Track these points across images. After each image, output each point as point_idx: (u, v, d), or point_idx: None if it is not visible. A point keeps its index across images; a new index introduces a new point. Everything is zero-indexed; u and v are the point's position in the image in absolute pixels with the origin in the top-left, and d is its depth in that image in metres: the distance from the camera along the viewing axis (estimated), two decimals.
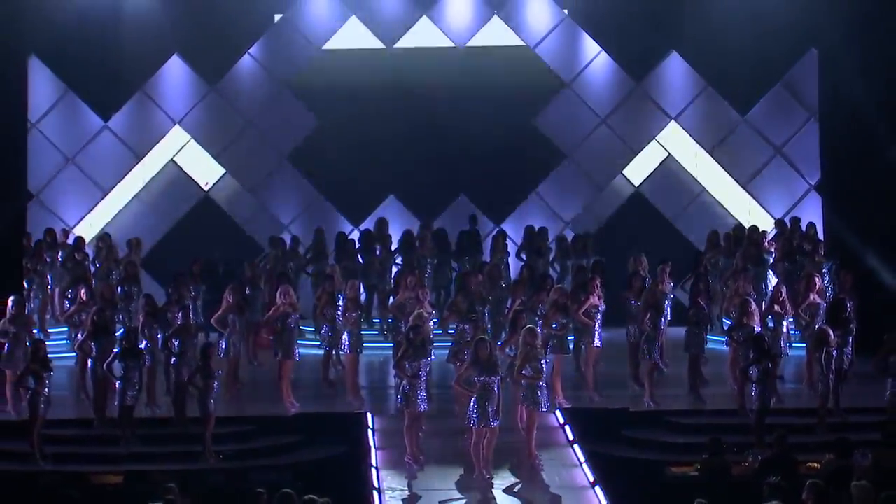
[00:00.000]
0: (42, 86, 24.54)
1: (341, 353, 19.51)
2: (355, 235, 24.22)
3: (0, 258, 20.48)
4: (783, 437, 15.58)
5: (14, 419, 18.02)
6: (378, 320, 22.95)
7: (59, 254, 23.13)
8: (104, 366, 17.84)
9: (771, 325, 19.34)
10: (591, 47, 25.49)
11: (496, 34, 25.42)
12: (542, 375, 16.72)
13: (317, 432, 17.97)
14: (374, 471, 16.64)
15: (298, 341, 19.22)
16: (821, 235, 23.39)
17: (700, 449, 16.30)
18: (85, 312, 19.36)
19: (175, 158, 25.31)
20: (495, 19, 25.37)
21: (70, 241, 23.79)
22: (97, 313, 18.50)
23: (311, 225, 24.43)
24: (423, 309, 18.50)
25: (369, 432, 17.74)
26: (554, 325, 18.58)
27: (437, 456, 17.17)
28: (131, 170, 25.15)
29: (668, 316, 20.25)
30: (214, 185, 25.33)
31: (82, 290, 20.00)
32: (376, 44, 25.26)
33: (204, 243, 23.82)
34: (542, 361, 16.84)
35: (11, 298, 18.90)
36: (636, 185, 25.68)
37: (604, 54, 25.47)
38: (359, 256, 23.25)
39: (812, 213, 24.50)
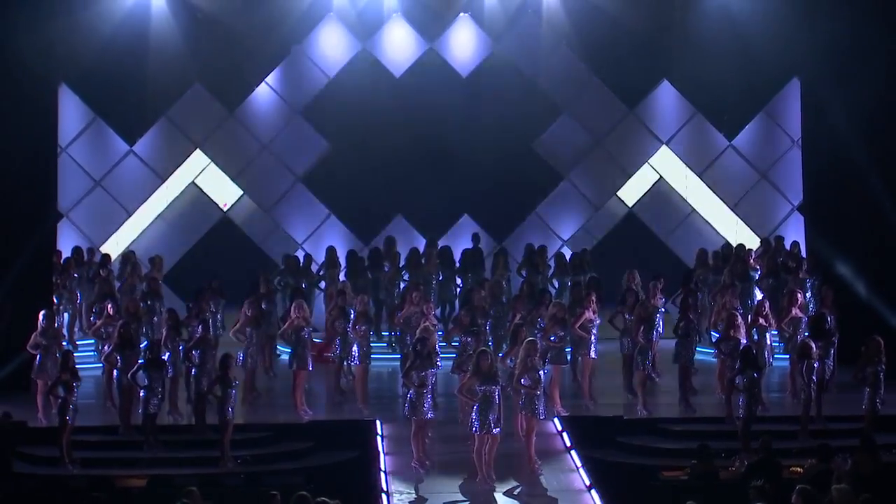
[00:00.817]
0: (71, 113, 24.60)
1: (352, 363, 19.55)
2: (365, 253, 24.27)
3: (31, 275, 20.50)
4: (768, 443, 15.62)
5: (45, 426, 18.10)
6: (387, 333, 22.98)
7: (87, 270, 23.17)
8: (129, 376, 17.86)
9: (756, 337, 19.39)
10: (586, 76, 25.59)
11: (497, 63, 25.50)
12: (540, 385, 16.77)
13: (329, 438, 17.98)
14: (382, 475, 16.67)
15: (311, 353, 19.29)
16: (803, 253, 23.42)
17: (690, 454, 16.36)
18: (111, 326, 19.41)
19: (196, 180, 25.38)
20: (497, 49, 25.45)
21: (97, 258, 23.83)
22: (122, 327, 18.56)
23: (324, 243, 24.50)
24: (429, 322, 18.56)
25: (378, 438, 17.76)
26: (552, 338, 18.62)
27: (442, 461, 17.23)
28: (155, 191, 25.23)
29: (660, 329, 20.32)
30: (233, 205, 25.41)
31: (109, 305, 20.02)
32: (385, 72, 25.35)
33: (223, 260, 23.94)
34: (541, 372, 16.89)
35: (42, 313, 18.97)
36: (630, 205, 25.74)
37: (599, 82, 25.56)
38: (368, 273, 23.30)
39: (795, 233, 24.56)
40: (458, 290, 23.38)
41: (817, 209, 23.62)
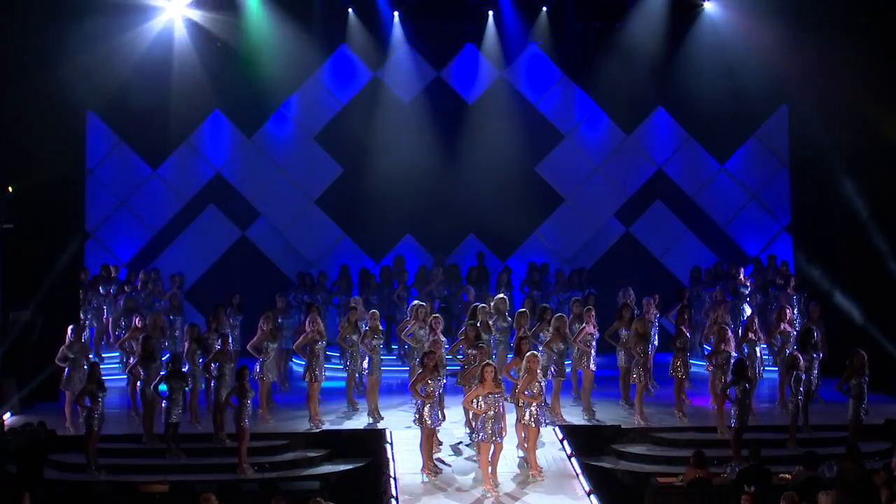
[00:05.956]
0: (98, 138, 24.67)
1: (364, 375, 19.59)
2: (376, 271, 24.33)
3: (60, 291, 20.63)
4: (758, 451, 15.68)
5: (72, 434, 18.20)
6: (396, 346, 23.00)
7: (112, 287, 23.27)
8: (152, 387, 17.98)
9: (746, 351, 19.41)
10: (586, 103, 25.68)
11: (501, 91, 25.60)
12: (542, 396, 16.81)
13: (341, 446, 18.07)
14: (392, 481, 16.69)
15: (325, 365, 19.35)
16: (791, 271, 23.46)
17: (684, 461, 16.40)
18: (136, 339, 19.48)
19: (215, 202, 25.45)
20: (501, 77, 25.55)
21: (122, 275, 23.92)
22: (145, 340, 18.66)
23: (337, 261, 24.57)
24: (437, 337, 18.61)
25: (388, 446, 17.81)
26: (553, 351, 18.67)
27: (448, 467, 17.26)
28: (176, 212, 25.33)
29: (656, 342, 20.34)
30: (250, 225, 25.44)
31: (136, 319, 20.11)
32: (395, 100, 25.43)
33: (240, 278, 24.02)
34: (542, 383, 16.92)
35: (70, 327, 19.07)
36: (627, 225, 25.80)
37: (598, 109, 25.65)
38: (379, 290, 23.33)
39: (783, 251, 24.61)
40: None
41: (804, 229, 23.70)
